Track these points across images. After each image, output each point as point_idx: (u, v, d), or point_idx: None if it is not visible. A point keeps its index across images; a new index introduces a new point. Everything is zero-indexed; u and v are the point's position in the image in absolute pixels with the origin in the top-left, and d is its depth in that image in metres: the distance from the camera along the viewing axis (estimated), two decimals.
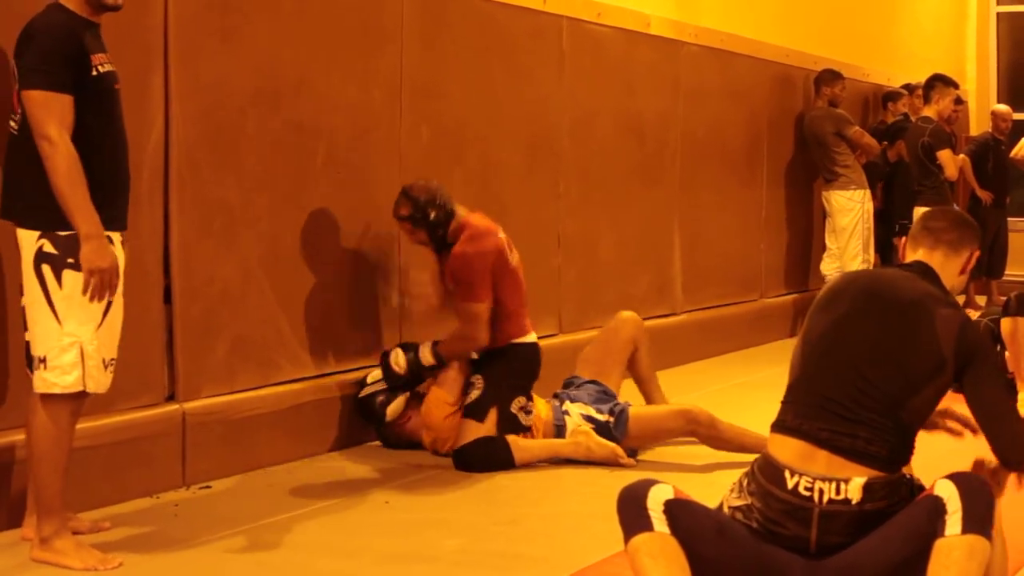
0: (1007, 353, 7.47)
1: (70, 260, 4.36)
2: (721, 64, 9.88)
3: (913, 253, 3.99)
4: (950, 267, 3.97)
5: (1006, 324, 7.41)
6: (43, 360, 4.39)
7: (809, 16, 11.54)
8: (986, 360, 3.80)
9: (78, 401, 4.51)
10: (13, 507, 4.89)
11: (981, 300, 12.92)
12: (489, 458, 6.01)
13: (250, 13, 5.88)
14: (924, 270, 3.93)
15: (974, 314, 8.61)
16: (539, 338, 6.67)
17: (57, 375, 4.39)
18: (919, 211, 9.80)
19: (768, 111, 10.64)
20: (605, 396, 6.39)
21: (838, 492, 3.59)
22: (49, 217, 4.36)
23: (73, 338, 4.39)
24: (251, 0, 5.89)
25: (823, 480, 3.59)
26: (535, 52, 7.89)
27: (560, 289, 8.03)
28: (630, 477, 5.60)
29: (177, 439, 5.53)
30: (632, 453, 6.24)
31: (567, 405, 6.31)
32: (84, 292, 4.37)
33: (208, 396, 5.67)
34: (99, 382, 4.50)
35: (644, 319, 8.63)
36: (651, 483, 3.70)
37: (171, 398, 5.59)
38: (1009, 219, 13.44)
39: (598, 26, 8.40)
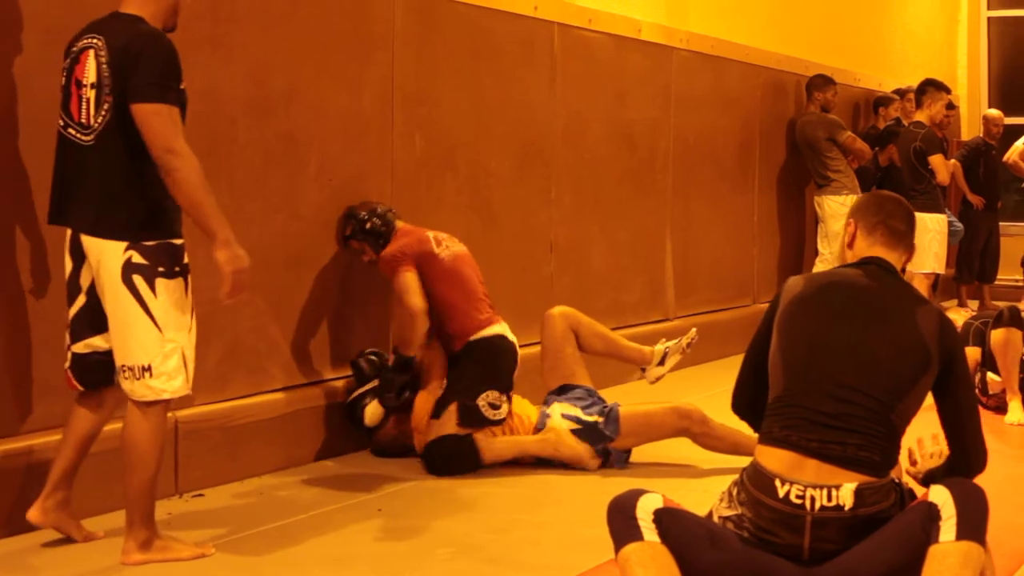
0: (998, 364, 7.47)
1: (160, 269, 4.49)
2: (712, 70, 9.88)
3: (869, 247, 3.97)
4: (900, 264, 4.00)
5: (998, 335, 7.41)
6: (147, 368, 4.51)
7: (800, 21, 11.56)
8: (963, 361, 3.85)
9: (169, 405, 4.66)
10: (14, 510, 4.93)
11: (973, 304, 12.95)
12: (455, 457, 6.01)
13: (240, 21, 5.88)
14: (887, 267, 3.94)
15: (964, 316, 8.62)
16: (531, 344, 6.68)
17: (164, 381, 4.53)
18: None
19: (760, 117, 10.65)
20: (594, 399, 6.37)
21: (830, 499, 3.59)
22: (135, 228, 4.47)
23: (174, 344, 4.54)
24: (241, 8, 5.89)
25: (814, 487, 3.60)
26: (526, 58, 7.90)
27: (552, 296, 8.02)
28: (620, 483, 5.65)
29: (169, 447, 5.51)
30: (625, 456, 6.25)
31: (551, 407, 6.30)
32: (226, 294, 4.54)
33: (200, 404, 5.66)
34: (192, 384, 4.67)
35: (637, 325, 8.70)
36: (640, 492, 3.71)
37: None
38: (1000, 223, 13.48)
39: (589, 32, 8.41)
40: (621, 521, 3.64)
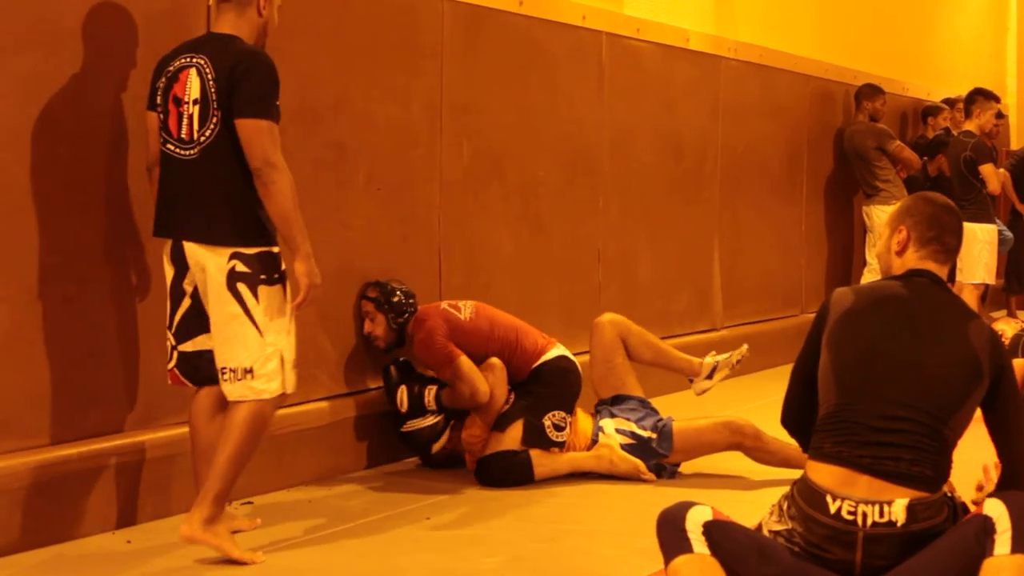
0: None
1: (262, 276, 4.73)
2: (760, 79, 9.86)
3: (919, 260, 3.90)
4: (945, 274, 3.94)
5: None
6: (250, 371, 4.74)
7: (848, 30, 11.51)
8: (1012, 376, 3.81)
9: (278, 403, 4.91)
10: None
11: (1023, 315, 12.84)
12: (508, 472, 6.02)
13: (290, 32, 5.88)
14: (937, 280, 3.89)
15: (1016, 326, 8.55)
16: (580, 353, 6.67)
17: (264, 382, 4.76)
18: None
19: (808, 126, 10.61)
20: (648, 411, 6.37)
21: (882, 515, 3.56)
22: (239, 236, 4.71)
23: (274, 347, 4.78)
24: (291, 19, 5.89)
25: (866, 503, 3.57)
26: (574, 68, 7.90)
27: (600, 305, 8.01)
28: (669, 493, 5.65)
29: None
30: (675, 468, 6.24)
31: (603, 421, 6.30)
32: (298, 304, 4.82)
33: None
34: (293, 383, 4.90)
35: (684, 334, 8.68)
36: (689, 505, 3.69)
37: None
38: None
39: (637, 41, 8.40)
40: (670, 533, 3.63)
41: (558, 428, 6.17)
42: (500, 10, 7.23)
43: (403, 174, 6.60)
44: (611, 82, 8.17)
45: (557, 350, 6.40)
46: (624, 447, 6.18)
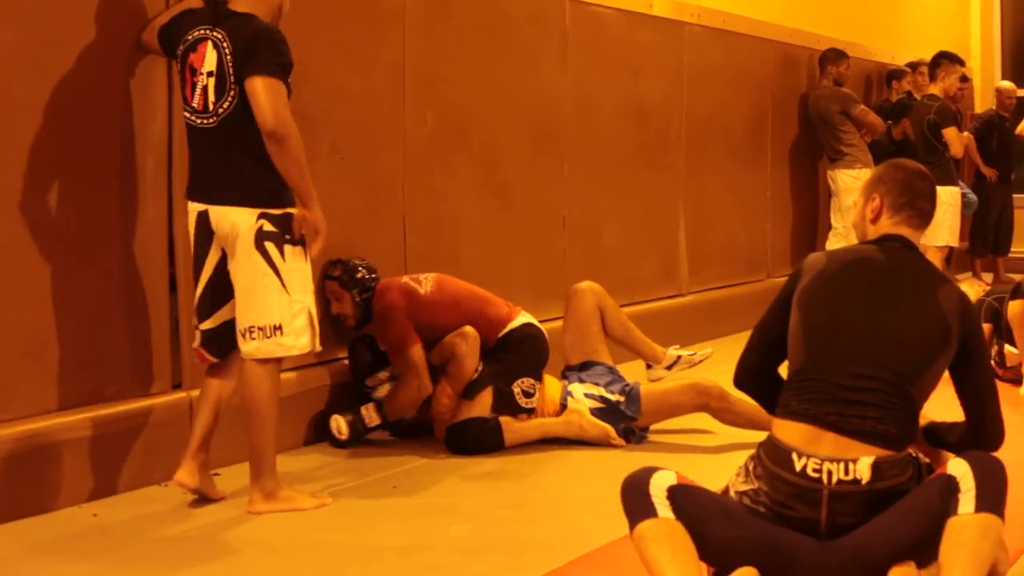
0: (1015, 336, 7.46)
1: (287, 236, 4.90)
2: (724, 45, 9.85)
3: (893, 226, 3.95)
4: (918, 239, 3.99)
5: (1015, 307, 7.40)
6: (278, 328, 4.91)
7: None
8: (981, 339, 3.87)
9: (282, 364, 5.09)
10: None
11: (988, 277, 12.91)
12: (478, 439, 6.03)
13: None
14: (909, 245, 3.94)
15: (979, 291, 8.59)
16: (546, 320, 6.67)
17: (293, 339, 4.94)
18: None
19: (772, 91, 10.61)
20: (615, 376, 6.38)
21: (847, 472, 3.58)
22: (264, 198, 4.87)
23: (301, 304, 4.96)
24: None
25: (831, 461, 3.59)
26: (538, 35, 7.88)
27: (566, 271, 8.01)
28: (637, 458, 5.66)
29: (184, 427, 5.52)
30: (644, 432, 6.25)
31: (572, 386, 6.31)
32: (317, 249, 5.00)
33: None
34: (319, 342, 5.09)
35: (650, 300, 8.69)
36: (653, 470, 3.71)
37: (178, 387, 5.60)
38: (1015, 195, 13.43)
39: (601, 8, 8.38)
40: (635, 498, 3.64)
41: (527, 394, 6.19)
42: None
43: (367, 143, 6.58)
44: (575, 49, 8.15)
45: (523, 317, 6.40)
46: (593, 411, 6.19)
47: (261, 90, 4.75)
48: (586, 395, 6.25)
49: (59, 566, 4.43)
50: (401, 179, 6.74)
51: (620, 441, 6.14)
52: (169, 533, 4.79)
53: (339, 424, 6.10)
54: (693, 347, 6.78)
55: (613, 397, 6.23)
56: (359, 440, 6.14)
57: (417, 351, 6.11)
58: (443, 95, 7.06)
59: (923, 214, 3.99)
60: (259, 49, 4.80)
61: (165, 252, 5.52)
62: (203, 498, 5.14)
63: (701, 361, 6.74)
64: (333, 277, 6.28)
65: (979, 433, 3.82)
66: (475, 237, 7.28)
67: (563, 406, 6.25)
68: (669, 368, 6.68)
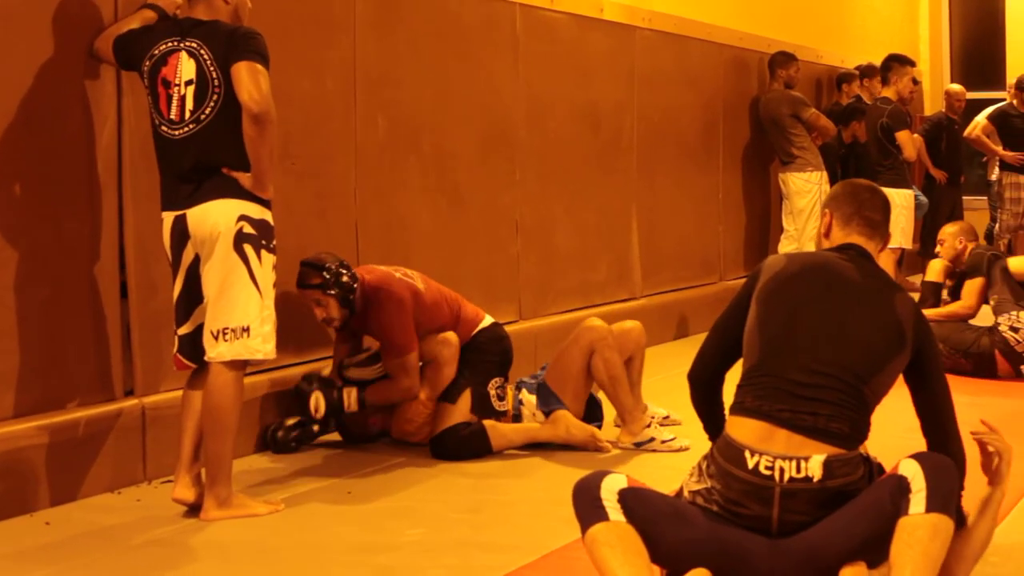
0: None
1: (264, 241, 4.94)
2: (675, 49, 9.88)
3: (845, 236, 4.03)
4: (876, 251, 4.06)
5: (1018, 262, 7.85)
6: (246, 329, 4.91)
7: None
8: (936, 349, 3.91)
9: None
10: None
11: (914, 278, 12.94)
12: (466, 444, 6.02)
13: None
14: (862, 253, 4.00)
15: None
16: (504, 324, 6.69)
17: (260, 343, 4.95)
18: None
19: (723, 95, 10.66)
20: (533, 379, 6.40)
21: (799, 470, 3.60)
22: (245, 198, 4.91)
23: (270, 311, 4.99)
24: None
25: (783, 459, 3.61)
26: (489, 39, 7.89)
27: (519, 276, 8.03)
28: (591, 462, 5.67)
29: (137, 434, 5.51)
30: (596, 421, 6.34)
31: (523, 394, 6.31)
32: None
33: (168, 390, 5.64)
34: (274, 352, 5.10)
35: (603, 304, 8.70)
36: (604, 473, 3.73)
37: (130, 393, 5.57)
38: (964, 198, 13.54)
39: (551, 12, 8.40)
40: (586, 503, 3.66)
41: (499, 397, 6.23)
42: None
43: (318, 148, 6.57)
44: (526, 53, 8.16)
45: (489, 319, 6.45)
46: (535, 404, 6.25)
47: (246, 73, 4.80)
48: (529, 393, 6.31)
49: (11, 575, 4.40)
50: (353, 183, 6.74)
51: (606, 445, 6.12)
52: (123, 541, 4.76)
53: (318, 401, 6.06)
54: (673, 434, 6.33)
55: (533, 397, 6.28)
56: (333, 418, 6.14)
57: (416, 356, 6.08)
58: (394, 99, 7.06)
59: (872, 223, 4.05)
60: (240, 42, 4.86)
61: (116, 259, 5.49)
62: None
63: (679, 451, 6.14)
64: (314, 286, 6.05)
65: (940, 449, 3.83)
66: (427, 241, 7.28)
67: (514, 415, 6.25)
68: (638, 446, 6.19)
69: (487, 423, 6.11)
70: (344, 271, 6.08)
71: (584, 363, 6.24)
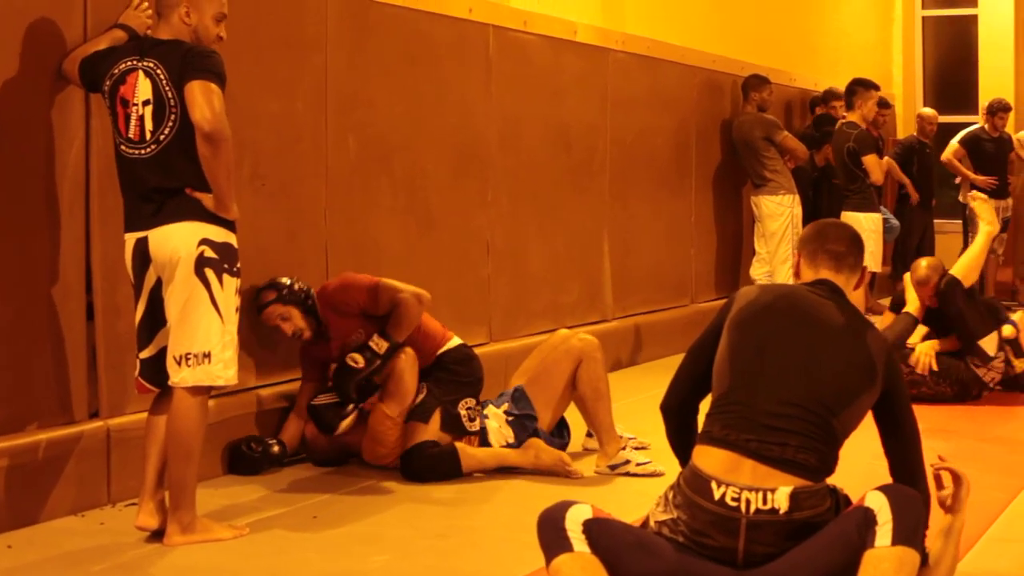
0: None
1: (226, 265, 4.88)
2: (648, 71, 9.89)
3: (815, 273, 4.06)
4: (849, 286, 4.07)
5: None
6: (207, 355, 4.85)
7: (735, 22, 11.60)
8: (904, 387, 3.91)
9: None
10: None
11: (885, 301, 12.95)
12: (436, 466, 5.99)
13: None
14: (834, 289, 4.00)
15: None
16: (474, 346, 6.66)
17: (221, 368, 4.89)
18: (847, 216, 9.89)
19: (696, 117, 10.66)
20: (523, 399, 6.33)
21: (765, 502, 3.59)
22: (205, 220, 4.85)
23: (232, 336, 4.93)
24: None
25: (750, 490, 3.60)
26: (461, 61, 7.87)
27: (490, 297, 8.01)
28: (558, 491, 5.65)
29: (102, 456, 5.47)
30: (562, 440, 6.33)
31: (487, 409, 6.28)
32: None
33: (133, 413, 5.58)
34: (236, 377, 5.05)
35: (574, 326, 8.67)
36: (569, 504, 3.71)
37: (95, 415, 5.52)
38: (936, 220, 13.59)
39: (524, 34, 8.39)
40: (551, 533, 3.64)
41: (470, 418, 6.20)
42: (385, 3, 7.17)
43: (288, 169, 6.53)
44: (499, 75, 8.15)
45: (457, 339, 6.43)
46: (509, 423, 6.20)
47: (198, 91, 4.73)
48: (499, 413, 6.25)
49: None
50: (323, 204, 6.71)
51: (575, 470, 6.07)
52: (86, 567, 4.70)
53: (354, 357, 6.06)
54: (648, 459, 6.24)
55: (503, 408, 6.25)
56: (371, 373, 6.08)
57: (389, 280, 6.18)
58: (365, 120, 7.04)
59: (836, 255, 4.06)
60: (194, 61, 4.80)
61: (83, 280, 5.45)
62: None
63: (652, 475, 6.06)
64: (270, 302, 6.16)
65: (904, 481, 3.82)
66: (398, 263, 7.24)
67: (482, 430, 6.22)
68: (613, 468, 6.15)
69: (459, 445, 6.08)
70: (295, 282, 6.23)
71: (570, 374, 6.25)
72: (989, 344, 7.94)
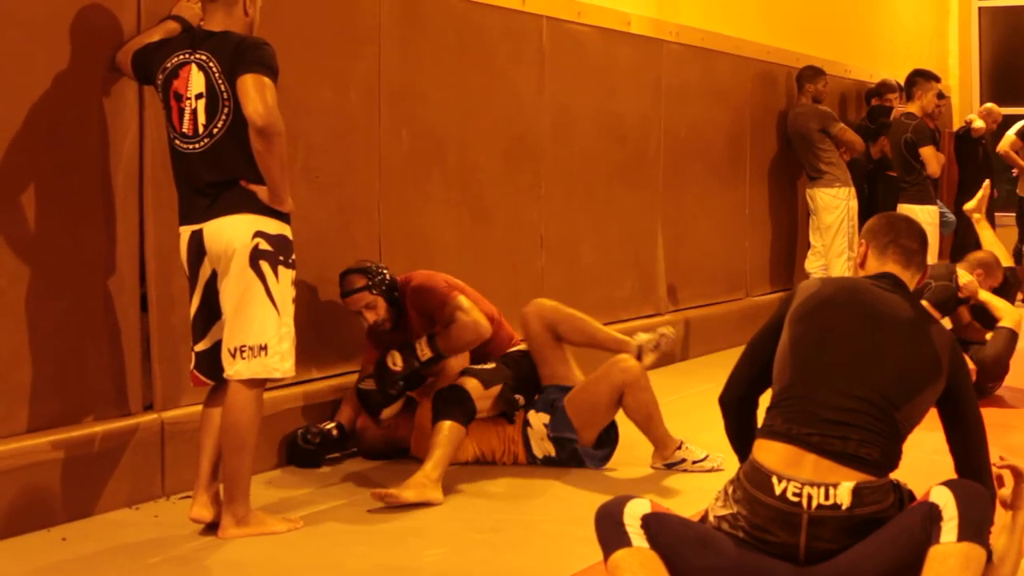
0: None
1: (281, 257, 4.88)
2: (702, 62, 9.82)
3: (881, 266, 4.01)
4: (913, 283, 4.03)
5: None
6: (264, 348, 4.85)
7: (790, 13, 11.50)
8: (970, 386, 3.84)
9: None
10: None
11: None
12: (450, 403, 5.82)
13: None
14: (899, 283, 3.96)
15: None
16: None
17: (278, 361, 4.89)
18: (903, 208, 9.78)
19: (750, 109, 10.59)
20: (547, 401, 6.26)
21: (827, 497, 3.54)
22: (261, 213, 4.84)
23: (288, 328, 4.92)
24: None
25: (811, 485, 3.55)
26: (514, 52, 7.84)
27: (544, 291, 7.95)
28: (613, 484, 5.61)
29: (156, 449, 5.47)
30: (601, 456, 6.17)
31: (530, 415, 6.21)
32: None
33: (187, 405, 5.58)
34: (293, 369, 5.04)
35: (628, 319, 8.64)
36: (627, 498, 3.68)
37: (149, 408, 5.52)
38: (995, 214, 13.44)
39: (578, 25, 8.34)
40: (609, 527, 3.61)
41: (517, 408, 6.15)
42: None
43: (341, 161, 6.52)
44: (552, 66, 8.11)
45: (524, 345, 6.35)
46: (551, 438, 6.13)
47: (251, 86, 4.71)
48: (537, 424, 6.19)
49: None
50: (376, 198, 6.69)
51: (437, 499, 5.58)
52: (141, 559, 4.70)
53: (394, 357, 6.01)
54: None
55: (544, 421, 6.16)
56: (410, 376, 6.02)
57: (462, 296, 6.02)
58: (419, 112, 7.01)
59: (908, 251, 4.02)
60: (246, 54, 4.78)
61: (137, 272, 5.45)
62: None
63: (658, 344, 6.25)
64: (359, 288, 6.09)
65: (970, 476, 3.76)
66: (451, 256, 7.22)
67: (525, 440, 6.18)
68: (669, 466, 6.09)
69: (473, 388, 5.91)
70: (384, 269, 6.17)
71: (612, 400, 6.09)
72: None
